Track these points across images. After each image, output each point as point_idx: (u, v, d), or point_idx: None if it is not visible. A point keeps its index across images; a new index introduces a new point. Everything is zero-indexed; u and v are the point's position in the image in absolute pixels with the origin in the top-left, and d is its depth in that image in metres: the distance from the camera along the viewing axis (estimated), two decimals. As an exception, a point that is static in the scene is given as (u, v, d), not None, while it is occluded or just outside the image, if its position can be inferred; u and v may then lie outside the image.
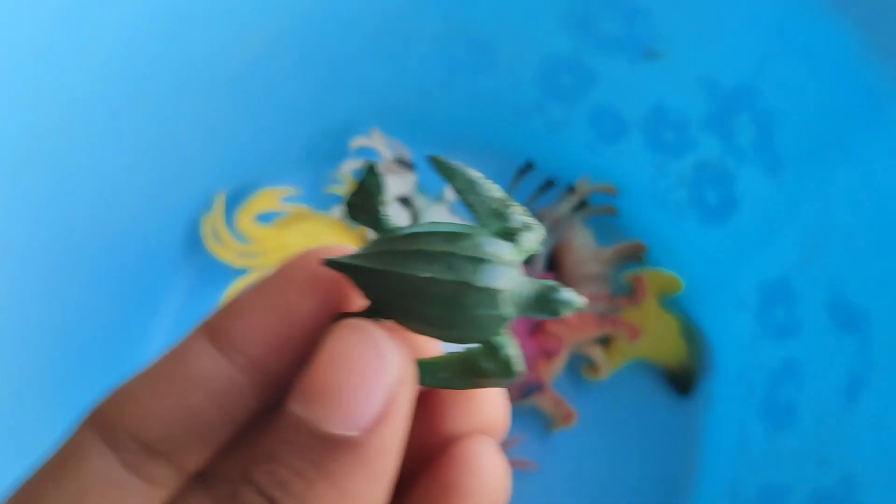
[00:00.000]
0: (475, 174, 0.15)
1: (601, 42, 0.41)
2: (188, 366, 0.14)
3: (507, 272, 0.14)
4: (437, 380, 0.14)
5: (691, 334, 0.44)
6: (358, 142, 0.46)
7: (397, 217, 0.45)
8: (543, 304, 0.14)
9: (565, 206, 0.45)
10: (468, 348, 0.14)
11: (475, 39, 0.44)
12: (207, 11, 0.38)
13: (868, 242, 0.35)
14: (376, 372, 0.12)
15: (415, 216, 0.46)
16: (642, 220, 0.46)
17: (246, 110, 0.44)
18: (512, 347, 0.14)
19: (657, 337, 0.44)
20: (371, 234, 0.46)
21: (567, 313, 0.14)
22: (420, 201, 0.46)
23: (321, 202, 0.47)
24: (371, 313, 0.14)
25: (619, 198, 0.46)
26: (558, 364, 0.43)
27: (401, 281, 0.13)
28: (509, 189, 0.47)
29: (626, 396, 0.44)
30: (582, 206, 0.46)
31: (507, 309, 0.14)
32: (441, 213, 0.45)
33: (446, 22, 0.43)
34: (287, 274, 0.14)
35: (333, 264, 0.14)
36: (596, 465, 0.43)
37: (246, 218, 0.45)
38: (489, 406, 0.15)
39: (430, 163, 0.15)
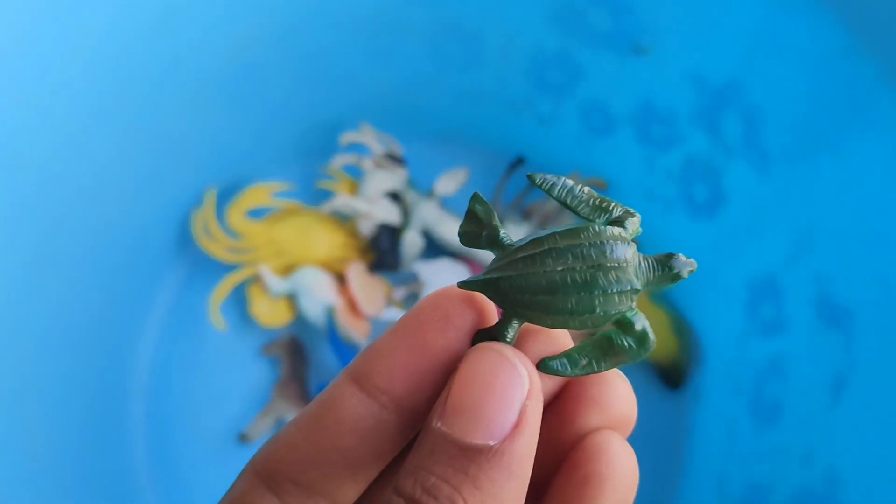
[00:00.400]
0: (569, 182, 0.16)
1: (590, 37, 0.41)
2: (337, 409, 0.15)
3: (629, 249, 0.15)
4: (579, 369, 0.15)
5: (681, 329, 0.44)
6: (348, 137, 0.46)
7: (387, 212, 0.45)
8: (666, 272, 0.15)
9: (555, 200, 0.45)
10: (601, 332, 0.15)
11: (465, 35, 0.43)
12: (198, 8, 0.38)
13: (854, 240, 0.35)
14: (511, 388, 0.14)
15: (405, 211, 0.46)
16: (632, 214, 0.46)
17: (236, 106, 0.44)
18: (644, 320, 0.15)
19: (647, 332, 0.44)
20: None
21: (687, 274, 0.15)
22: (411, 196, 0.46)
23: (312, 197, 0.47)
24: (506, 322, 0.15)
25: (609, 192, 0.46)
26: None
27: (537, 280, 0.15)
28: (500, 183, 0.47)
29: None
30: (572, 200, 0.46)
31: (637, 281, 0.15)
32: (431, 208, 0.45)
33: (436, 17, 0.43)
34: (418, 315, 0.15)
35: (468, 285, 0.15)
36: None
37: (237, 213, 0.45)
38: (620, 401, 0.16)
39: (527, 180, 0.16)
